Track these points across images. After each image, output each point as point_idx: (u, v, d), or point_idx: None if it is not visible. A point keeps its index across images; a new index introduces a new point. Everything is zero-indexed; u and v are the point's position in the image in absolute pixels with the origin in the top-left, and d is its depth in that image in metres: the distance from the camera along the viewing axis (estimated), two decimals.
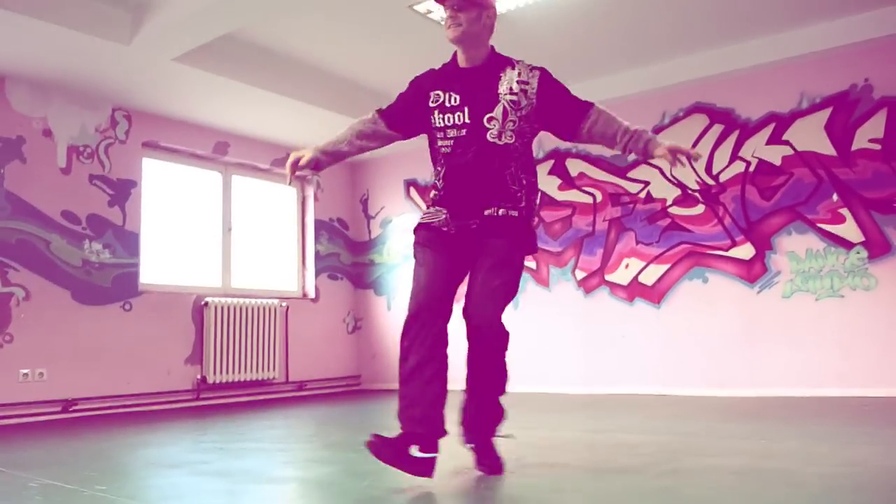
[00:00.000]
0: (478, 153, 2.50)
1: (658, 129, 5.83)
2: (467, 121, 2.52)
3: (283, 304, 6.60)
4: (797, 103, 5.30)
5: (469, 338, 2.49)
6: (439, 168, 2.62)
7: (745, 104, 5.50)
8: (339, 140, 2.69)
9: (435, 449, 2.36)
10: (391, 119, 2.69)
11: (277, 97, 5.63)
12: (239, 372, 6.11)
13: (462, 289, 2.55)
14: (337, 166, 7.35)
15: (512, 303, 2.54)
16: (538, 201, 2.68)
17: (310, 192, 7.24)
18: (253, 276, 6.66)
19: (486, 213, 2.52)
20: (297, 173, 2.67)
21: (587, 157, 6.17)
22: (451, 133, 2.55)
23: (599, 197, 6.09)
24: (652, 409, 4.65)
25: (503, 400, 2.64)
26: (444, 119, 2.57)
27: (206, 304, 5.97)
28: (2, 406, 4.81)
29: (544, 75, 2.59)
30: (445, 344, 2.45)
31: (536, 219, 6.36)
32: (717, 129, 5.60)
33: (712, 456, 2.94)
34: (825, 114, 5.19)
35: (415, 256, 2.61)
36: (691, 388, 5.46)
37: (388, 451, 2.30)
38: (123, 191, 5.67)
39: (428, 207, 2.64)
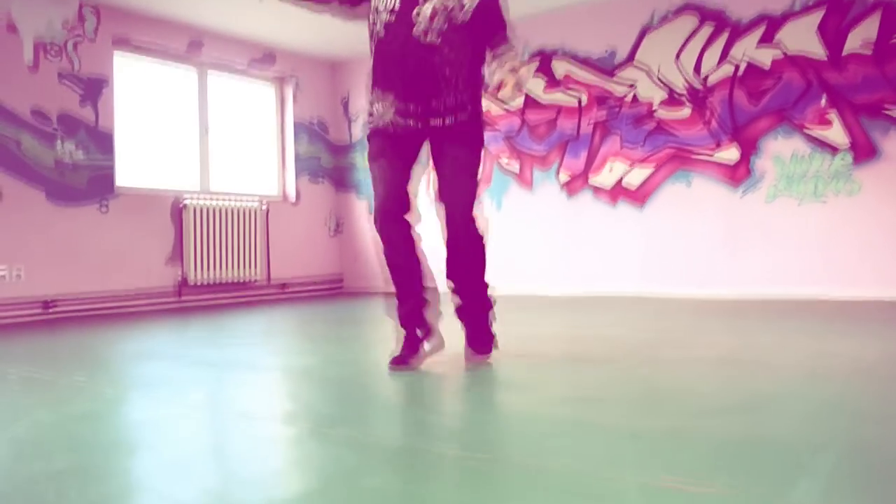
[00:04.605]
0: (404, 45, 2.46)
1: (646, 29, 5.67)
2: (397, 7, 2.48)
3: (264, 205, 6.52)
4: (790, 4, 5.15)
5: (448, 237, 2.58)
6: (372, 48, 2.59)
7: (737, 4, 5.34)
8: None
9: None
10: None
11: None
12: (221, 273, 6.08)
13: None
14: (317, 66, 7.15)
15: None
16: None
17: (288, 92, 7.04)
18: (232, 178, 6.55)
19: (433, 123, 2.52)
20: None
21: (574, 57, 6.01)
22: (384, 16, 2.50)
23: (585, 99, 5.97)
24: (632, 308, 4.70)
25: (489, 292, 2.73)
26: None
27: (185, 205, 5.87)
28: None
29: None
30: (411, 242, 2.60)
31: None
32: (707, 29, 5.45)
33: (690, 348, 2.98)
34: (818, 15, 5.05)
35: (370, 165, 2.65)
36: (672, 289, 5.51)
37: (409, 357, 2.55)
38: (95, 89, 5.47)
39: (371, 94, 2.61)
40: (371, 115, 2.61)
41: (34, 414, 2.00)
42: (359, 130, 7.32)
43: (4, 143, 4.94)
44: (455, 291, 2.67)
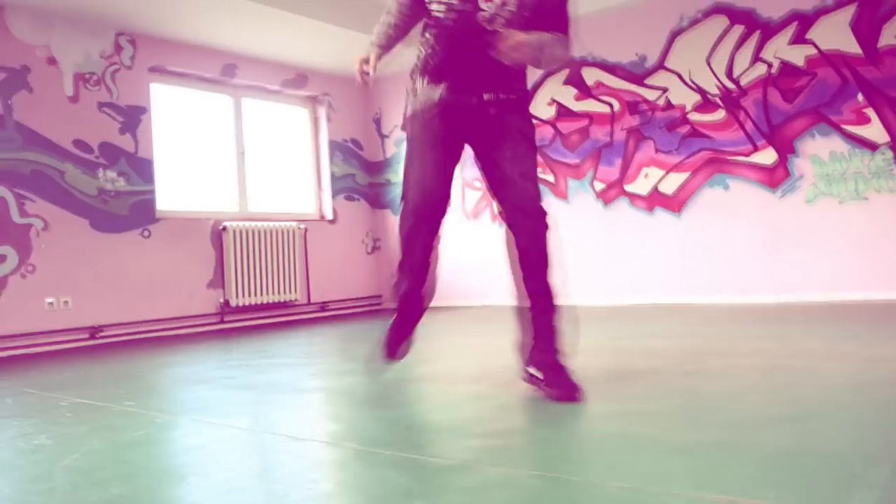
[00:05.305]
0: (468, 28, 2.37)
1: (676, 33, 5.64)
2: None
3: (302, 226, 6.60)
4: (820, 1, 5.08)
5: (523, 232, 2.40)
6: (429, 35, 2.49)
7: (767, 3, 5.28)
8: (383, 28, 2.65)
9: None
10: None
11: (285, 14, 5.46)
12: (261, 294, 6.16)
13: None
14: (348, 85, 7.22)
15: None
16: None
17: (322, 112, 7.13)
18: (270, 200, 6.64)
19: (486, 97, 2.40)
20: (367, 76, 2.60)
21: (604, 66, 5.99)
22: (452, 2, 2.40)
23: (617, 106, 5.94)
24: (674, 317, 4.65)
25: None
26: None
27: (225, 228, 5.97)
28: (30, 335, 4.89)
29: None
30: (433, 256, 2.63)
31: (552, 130, 6.26)
32: (738, 30, 5.40)
33: (735, 356, 2.94)
34: (851, 10, 4.97)
35: (409, 145, 2.54)
36: (713, 296, 5.44)
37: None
38: (133, 117, 5.61)
39: (415, 81, 2.52)
40: (415, 94, 2.50)
41: (87, 442, 2.05)
42: (392, 146, 7.37)
43: (49, 175, 5.08)
44: (536, 298, 2.42)
